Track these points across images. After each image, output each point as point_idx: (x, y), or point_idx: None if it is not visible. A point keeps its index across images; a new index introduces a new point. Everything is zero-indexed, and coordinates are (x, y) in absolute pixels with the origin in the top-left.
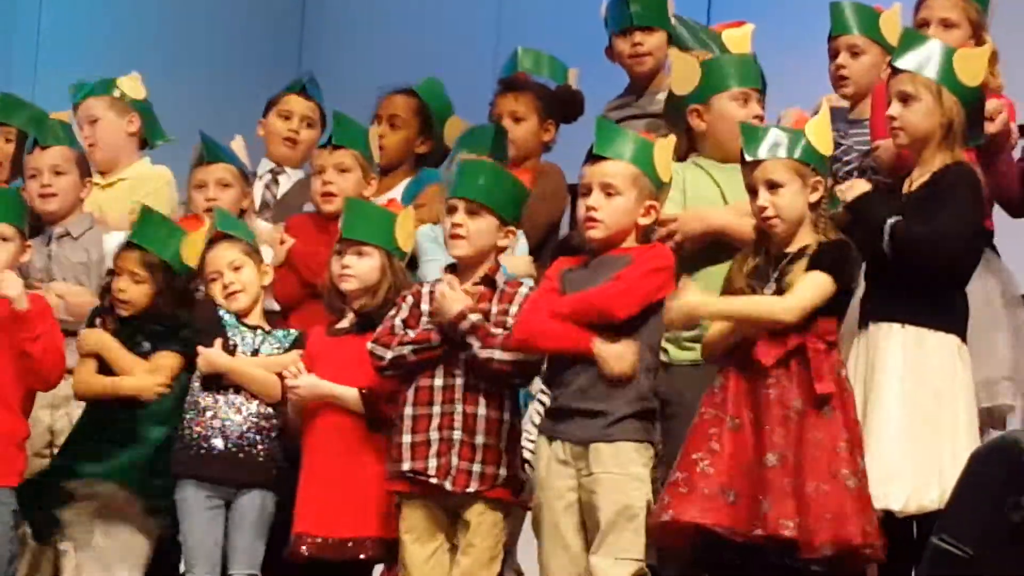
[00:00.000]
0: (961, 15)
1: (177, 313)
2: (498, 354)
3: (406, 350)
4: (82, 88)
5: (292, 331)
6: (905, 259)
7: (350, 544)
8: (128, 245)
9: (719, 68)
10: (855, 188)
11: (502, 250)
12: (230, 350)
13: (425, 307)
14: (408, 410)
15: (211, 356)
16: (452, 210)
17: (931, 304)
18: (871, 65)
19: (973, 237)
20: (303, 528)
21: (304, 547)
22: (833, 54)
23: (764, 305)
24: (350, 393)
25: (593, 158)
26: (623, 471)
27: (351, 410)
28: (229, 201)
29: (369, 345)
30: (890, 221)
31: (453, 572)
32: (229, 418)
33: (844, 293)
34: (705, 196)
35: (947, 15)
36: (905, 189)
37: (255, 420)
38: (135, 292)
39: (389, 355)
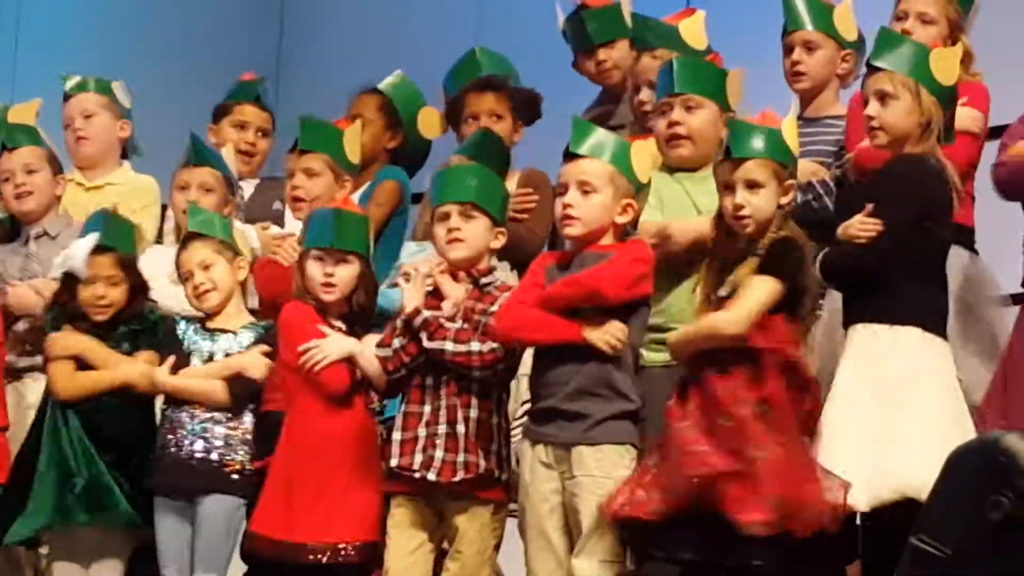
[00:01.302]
0: (940, 12)
1: (147, 313)
2: (449, 346)
3: (403, 371)
4: (81, 83)
5: (260, 325)
6: (839, 282)
7: (341, 548)
8: (96, 251)
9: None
10: None
11: (494, 252)
12: (183, 364)
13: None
14: (401, 407)
15: (155, 375)
16: (444, 216)
17: (890, 301)
18: (826, 60)
19: (905, 229)
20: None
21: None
22: (788, 49)
23: (707, 326)
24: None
25: (569, 156)
26: (605, 474)
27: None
28: (210, 206)
29: (375, 348)
30: (818, 259)
31: (424, 556)
32: (186, 427)
33: (795, 291)
34: (680, 204)
35: (926, 10)
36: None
37: (215, 427)
38: (114, 294)
39: (391, 367)
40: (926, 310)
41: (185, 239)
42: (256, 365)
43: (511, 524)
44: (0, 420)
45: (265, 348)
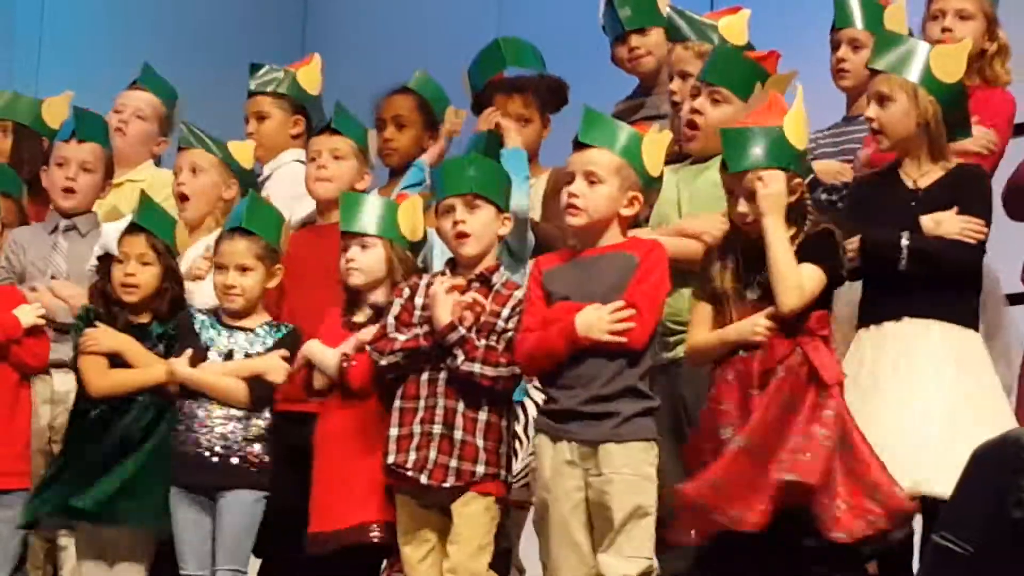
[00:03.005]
0: (977, 7)
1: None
2: (477, 367)
3: (398, 358)
4: (153, 79)
5: (282, 327)
6: (925, 271)
7: (356, 529)
8: (131, 230)
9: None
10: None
11: (502, 238)
12: (200, 357)
13: (419, 300)
14: (397, 403)
15: (172, 366)
16: (449, 209)
17: (957, 302)
18: None
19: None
20: (315, 527)
21: (316, 546)
22: (835, 46)
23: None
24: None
25: (578, 146)
26: (635, 471)
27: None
28: (199, 188)
29: (368, 348)
30: (904, 242)
31: (444, 565)
32: (206, 423)
33: (832, 282)
34: (664, 197)
35: (963, 6)
36: (911, 186)
37: (231, 423)
38: (145, 275)
39: (383, 362)
40: (968, 309)
41: (234, 230)
42: (277, 370)
43: (529, 522)
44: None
45: (284, 353)
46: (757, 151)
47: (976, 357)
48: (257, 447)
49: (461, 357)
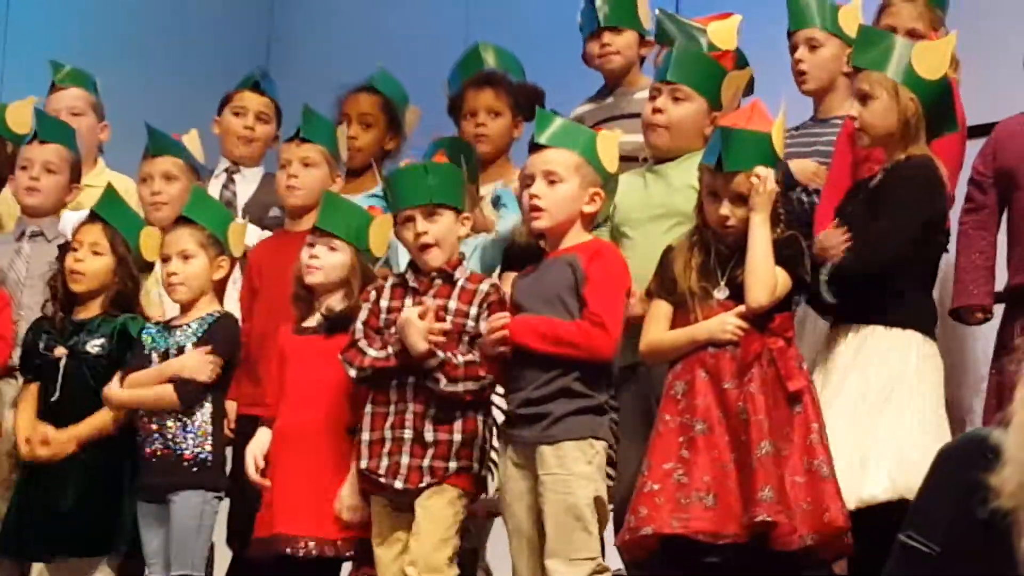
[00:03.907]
0: (927, 26)
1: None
2: (461, 387)
3: (367, 373)
4: (71, 74)
5: (212, 315)
6: (849, 289)
7: (325, 543)
8: (90, 220)
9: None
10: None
11: (462, 238)
12: (144, 366)
13: (384, 303)
14: (368, 407)
15: (106, 394)
16: (409, 220)
17: (887, 303)
18: (830, 58)
19: (918, 233)
20: (281, 529)
21: (284, 547)
22: (793, 48)
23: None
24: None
25: (534, 148)
26: (566, 471)
27: (318, 412)
28: (175, 195)
29: (340, 356)
30: (822, 277)
31: (405, 559)
32: (151, 427)
33: (797, 287)
34: (629, 199)
35: (915, 25)
36: (870, 185)
37: (168, 423)
38: (94, 264)
39: (353, 373)
40: (925, 314)
41: (177, 220)
42: (198, 367)
43: (499, 524)
44: None
45: (205, 349)
46: (754, 153)
47: (889, 358)
48: (197, 446)
49: (444, 380)
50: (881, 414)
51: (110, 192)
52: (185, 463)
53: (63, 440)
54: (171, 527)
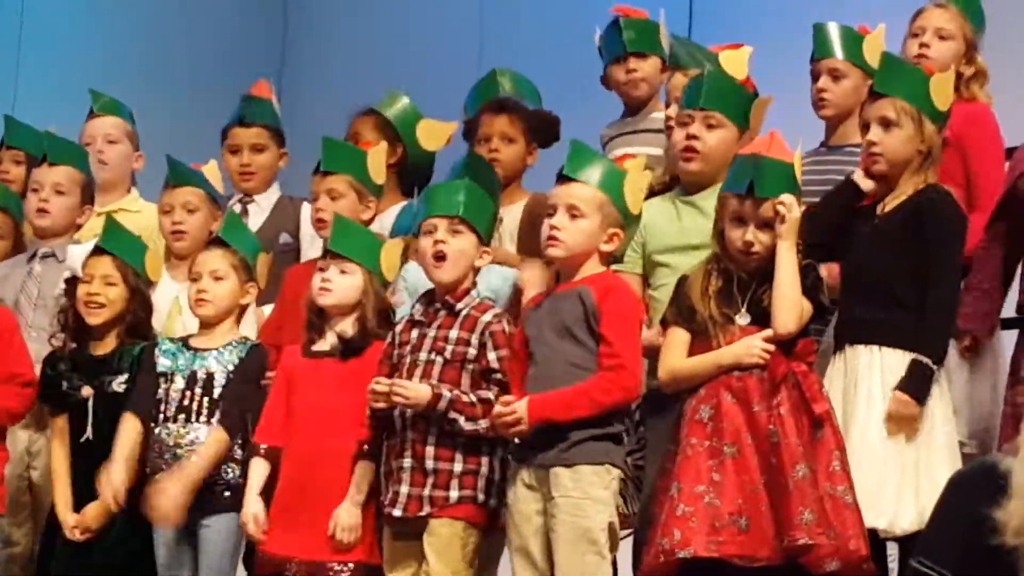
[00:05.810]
0: (958, 29)
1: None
2: (482, 425)
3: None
4: (110, 103)
5: (247, 343)
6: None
7: (333, 567)
8: (97, 252)
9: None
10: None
11: (477, 270)
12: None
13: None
14: (385, 441)
15: (108, 492)
16: (431, 229)
17: (912, 328)
18: (852, 88)
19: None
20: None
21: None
22: (815, 76)
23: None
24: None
25: (562, 179)
26: (583, 494)
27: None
28: (196, 225)
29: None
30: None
31: None
32: (172, 451)
33: (817, 314)
34: (663, 228)
35: (944, 26)
36: (879, 211)
37: (198, 448)
38: (110, 294)
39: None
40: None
41: (211, 241)
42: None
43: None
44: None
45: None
46: (782, 180)
47: (938, 389)
48: (229, 471)
49: (461, 419)
50: (909, 441)
51: (111, 223)
52: (218, 487)
53: (102, 515)
54: (204, 552)
